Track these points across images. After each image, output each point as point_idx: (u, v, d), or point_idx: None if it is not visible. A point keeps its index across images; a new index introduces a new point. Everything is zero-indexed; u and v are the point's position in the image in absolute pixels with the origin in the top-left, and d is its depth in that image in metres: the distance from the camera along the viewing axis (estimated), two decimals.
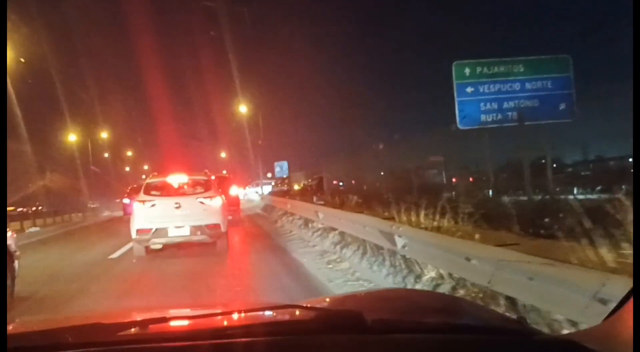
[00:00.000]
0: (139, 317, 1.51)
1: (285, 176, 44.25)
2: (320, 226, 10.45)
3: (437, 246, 4.36)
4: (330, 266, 7.25)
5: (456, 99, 10.38)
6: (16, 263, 5.48)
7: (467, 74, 10.39)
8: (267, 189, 35.22)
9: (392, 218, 6.46)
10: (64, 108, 31.38)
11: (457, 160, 14.06)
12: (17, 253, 5.63)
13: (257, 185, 37.63)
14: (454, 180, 14.24)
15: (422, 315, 1.38)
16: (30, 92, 26.48)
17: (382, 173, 17.69)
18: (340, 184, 36.65)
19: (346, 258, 7.39)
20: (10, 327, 1.38)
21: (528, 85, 10.48)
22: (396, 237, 5.14)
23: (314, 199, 23.69)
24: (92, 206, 34.16)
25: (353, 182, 21.29)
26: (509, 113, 10.37)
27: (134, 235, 8.64)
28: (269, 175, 46.38)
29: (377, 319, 1.19)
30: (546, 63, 10.51)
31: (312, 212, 10.97)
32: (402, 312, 1.44)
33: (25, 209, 24.69)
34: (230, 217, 10.95)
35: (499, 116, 10.39)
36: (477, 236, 4.52)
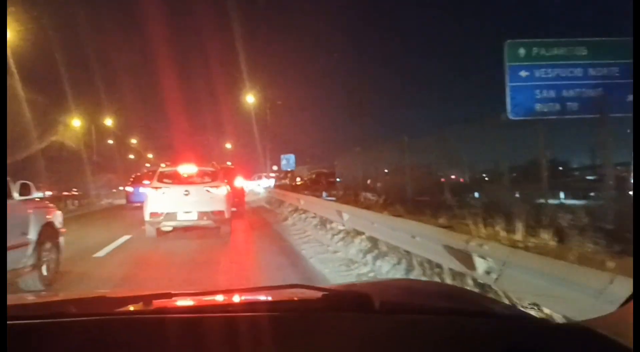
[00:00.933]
0: (142, 293, 1.38)
1: (290, 170, 42.93)
2: (341, 227, 8.94)
3: (562, 279, 2.84)
4: (363, 281, 5.76)
5: (507, 84, 8.80)
6: (61, 239, 6.02)
7: (522, 55, 8.80)
8: (267, 182, 33.68)
9: (449, 227, 4.96)
10: (68, 92, 30.26)
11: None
12: (63, 230, 6.12)
13: (259, 178, 36.11)
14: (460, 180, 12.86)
15: (430, 300, 1.37)
16: (38, 76, 25.69)
17: (385, 170, 16.07)
18: (338, 180, 35.52)
19: (382, 272, 5.89)
20: (10, 300, 1.39)
21: (592, 72, 8.89)
22: (476, 259, 3.63)
23: (324, 194, 22.32)
24: (94, 192, 32.86)
25: (369, 181, 19.68)
26: (570, 103, 8.78)
27: (147, 217, 9.48)
28: (275, 168, 45.08)
29: (384, 300, 1.18)
30: (613, 46, 8.91)
31: (331, 211, 9.45)
32: (410, 297, 1.42)
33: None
34: (234, 209, 11.38)
35: (557, 106, 8.80)
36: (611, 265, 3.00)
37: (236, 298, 1.43)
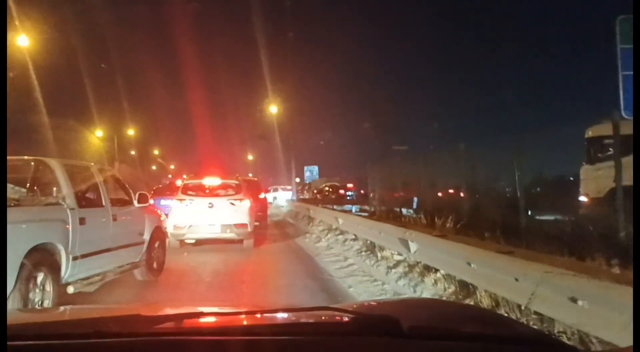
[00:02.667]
0: (173, 312, 1.47)
1: (308, 182, 41.22)
2: (398, 258, 6.92)
3: None
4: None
5: (620, 73, 6.75)
6: (167, 240, 7.38)
7: None
8: (285, 195, 32.07)
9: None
10: (92, 104, 29.48)
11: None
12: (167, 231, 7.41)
13: (275, 190, 34.56)
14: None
15: (459, 324, 1.30)
16: (61, 85, 25.14)
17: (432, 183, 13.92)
18: (349, 193, 33.79)
19: None
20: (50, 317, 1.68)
21: None
22: None
23: (353, 209, 20.22)
24: None
25: (400, 193, 17.53)
26: None
27: (170, 229, 9.18)
28: (297, 179, 43.52)
29: (413, 325, 1.16)
30: None
31: (385, 236, 7.42)
32: (438, 320, 1.36)
33: None
34: (257, 223, 11.26)
35: None
36: None
37: (263, 319, 1.45)
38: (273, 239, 12.78)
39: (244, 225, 9.71)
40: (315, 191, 38.00)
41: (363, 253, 8.34)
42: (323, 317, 1.36)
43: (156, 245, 6.70)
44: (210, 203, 9.80)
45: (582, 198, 9.84)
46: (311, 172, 46.31)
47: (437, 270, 5.50)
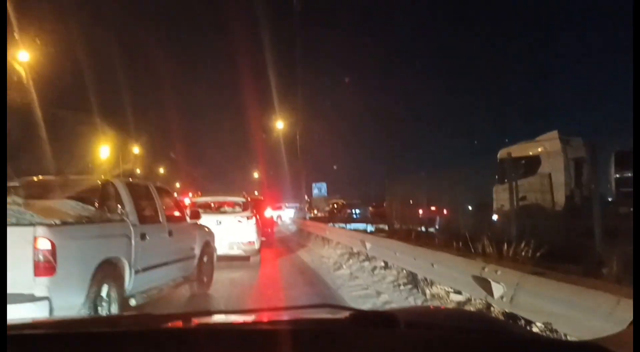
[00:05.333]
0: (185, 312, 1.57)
1: (308, 200, 39.76)
2: (457, 298, 5.18)
3: None
4: None
5: None
6: (214, 254, 7.59)
7: None
8: (288, 213, 31.66)
9: None
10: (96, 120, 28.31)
11: None
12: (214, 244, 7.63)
13: (279, 208, 33.15)
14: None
15: (453, 321, 1.46)
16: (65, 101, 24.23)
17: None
18: (356, 211, 32.52)
19: None
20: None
21: None
22: None
23: (368, 228, 18.50)
24: None
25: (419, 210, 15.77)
26: None
27: None
28: (306, 197, 41.96)
29: (409, 320, 1.21)
30: None
31: (438, 268, 5.67)
32: (433, 318, 1.51)
33: None
34: (263, 239, 11.64)
35: None
36: None
37: (267, 316, 1.61)
38: (285, 264, 11.25)
39: (251, 242, 10.06)
40: (316, 210, 37.23)
41: (402, 287, 6.62)
42: (325, 314, 1.45)
43: (205, 259, 7.01)
44: (218, 220, 9.84)
45: (494, 217, 10.76)
46: (319, 189, 44.55)
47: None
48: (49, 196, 4.80)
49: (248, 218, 10.30)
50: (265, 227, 13.25)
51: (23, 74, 17.28)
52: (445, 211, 14.14)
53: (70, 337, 1.18)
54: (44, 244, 3.76)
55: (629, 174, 7.01)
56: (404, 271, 7.13)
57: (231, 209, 10.83)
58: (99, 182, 5.43)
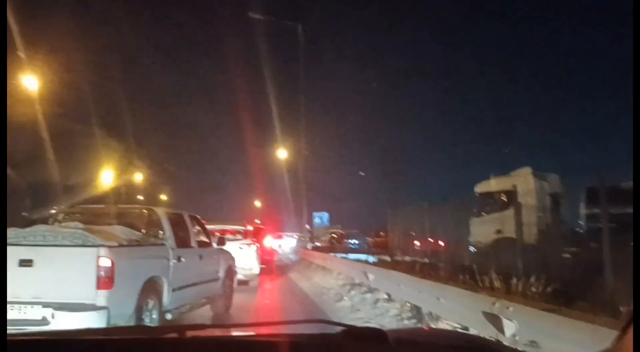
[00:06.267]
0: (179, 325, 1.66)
1: (309, 229, 39.46)
2: (457, 327, 4.98)
3: None
4: None
5: None
6: (235, 278, 8.35)
7: None
8: (290, 242, 31.32)
9: None
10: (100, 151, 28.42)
11: None
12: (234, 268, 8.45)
13: (279, 237, 32.81)
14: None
15: (441, 339, 1.48)
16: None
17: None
18: (353, 241, 32.22)
19: None
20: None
21: None
22: None
23: (369, 259, 18.18)
24: None
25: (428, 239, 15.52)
26: None
27: None
28: (307, 226, 41.58)
29: (400, 337, 1.26)
30: None
31: (444, 302, 5.50)
32: (422, 337, 1.58)
33: None
34: (263, 266, 12.25)
35: None
36: None
37: (261, 329, 1.68)
38: (285, 294, 11.22)
39: (251, 268, 10.81)
40: (314, 240, 37.10)
41: (406, 321, 6.44)
42: (317, 329, 1.46)
43: (227, 283, 7.65)
44: None
45: (471, 248, 10.98)
46: (320, 218, 44.14)
47: None
48: (103, 222, 5.52)
49: (248, 245, 11.12)
50: (265, 256, 13.68)
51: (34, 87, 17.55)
52: (441, 243, 13.93)
53: (64, 344, 1.23)
54: (106, 263, 4.41)
55: (598, 210, 7.03)
56: (408, 304, 6.95)
57: (232, 236, 11.24)
58: (145, 211, 6.26)
